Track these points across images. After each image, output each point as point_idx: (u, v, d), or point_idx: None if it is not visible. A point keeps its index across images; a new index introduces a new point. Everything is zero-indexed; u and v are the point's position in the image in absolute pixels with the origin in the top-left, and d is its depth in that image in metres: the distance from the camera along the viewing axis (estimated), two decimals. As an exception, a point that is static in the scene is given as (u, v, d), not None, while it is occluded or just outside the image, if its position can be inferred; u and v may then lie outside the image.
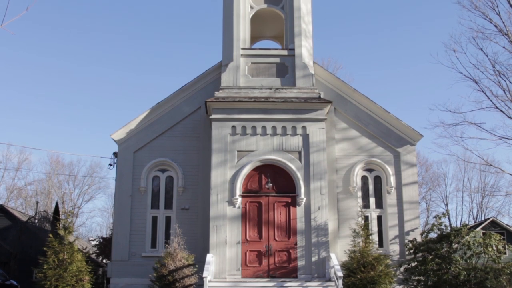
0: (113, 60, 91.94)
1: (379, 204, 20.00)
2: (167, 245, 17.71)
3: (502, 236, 23.21)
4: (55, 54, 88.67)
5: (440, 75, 75.44)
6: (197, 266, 17.01)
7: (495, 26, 24.11)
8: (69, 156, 75.68)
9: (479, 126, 24.55)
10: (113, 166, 20.77)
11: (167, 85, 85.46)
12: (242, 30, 20.02)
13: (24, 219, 37.17)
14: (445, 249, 18.02)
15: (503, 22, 23.94)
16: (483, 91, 24.32)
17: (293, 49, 19.79)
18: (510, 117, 23.73)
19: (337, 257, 17.46)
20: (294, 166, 18.56)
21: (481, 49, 24.39)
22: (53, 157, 60.01)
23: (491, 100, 24.11)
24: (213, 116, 18.85)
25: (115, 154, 20.46)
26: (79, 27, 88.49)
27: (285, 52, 19.97)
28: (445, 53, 25.37)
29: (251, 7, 20.44)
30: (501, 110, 24.02)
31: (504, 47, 23.88)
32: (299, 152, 18.76)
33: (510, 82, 23.77)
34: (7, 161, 56.45)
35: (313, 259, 17.83)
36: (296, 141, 18.80)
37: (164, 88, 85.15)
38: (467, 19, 24.61)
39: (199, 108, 20.24)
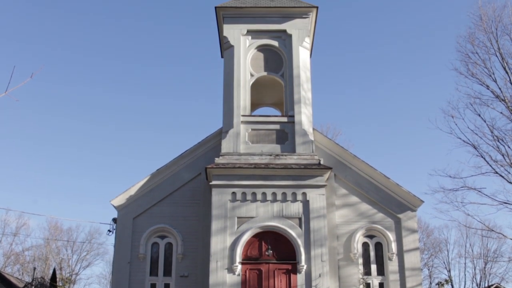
0: (113, 126, 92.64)
1: (381, 271, 19.73)
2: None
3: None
4: (55, 116, 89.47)
5: (439, 140, 75.87)
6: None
7: (492, 92, 24.43)
8: (68, 222, 75.10)
9: (479, 191, 24.46)
10: (112, 232, 20.61)
11: (168, 151, 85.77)
12: (243, 97, 20.30)
13: (21, 285, 36.50)
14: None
15: (500, 89, 24.28)
16: (482, 156, 24.37)
17: (293, 116, 20.00)
18: (510, 182, 23.69)
19: (339, 327, 17.09)
20: (294, 232, 18.43)
21: (479, 115, 24.61)
22: (51, 222, 59.60)
23: (490, 165, 24.12)
24: (213, 182, 18.86)
25: (114, 220, 20.35)
26: (79, 90, 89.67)
27: (285, 119, 20.18)
28: (444, 119, 25.56)
29: (251, 75, 20.79)
30: (500, 175, 24.01)
31: (501, 112, 24.11)
32: (300, 219, 18.66)
33: (509, 147, 23.87)
34: (5, 226, 56.04)
35: (315, 328, 17.46)
36: (296, 208, 18.74)
37: (165, 154, 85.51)
38: (464, 85, 24.81)
39: (199, 175, 20.29)
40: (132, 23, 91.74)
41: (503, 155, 23.83)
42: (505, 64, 24.59)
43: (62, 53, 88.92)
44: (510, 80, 24.25)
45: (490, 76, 24.79)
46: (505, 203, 23.96)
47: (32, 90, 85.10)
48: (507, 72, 24.47)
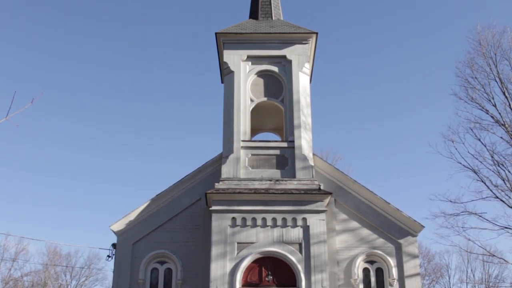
0: (113, 151, 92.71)
1: (382, 297, 19.60)
2: None
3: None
4: (55, 142, 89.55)
5: (440, 165, 76.02)
6: None
7: (492, 117, 24.50)
8: (67, 247, 74.65)
9: (480, 216, 24.40)
10: (112, 258, 20.53)
11: (168, 177, 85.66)
12: (243, 123, 20.35)
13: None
14: None
15: (500, 113, 24.35)
16: (482, 181, 24.35)
17: (293, 141, 20.03)
18: (510, 207, 23.65)
19: None
20: (294, 258, 18.33)
21: (479, 140, 24.65)
22: (51, 247, 59.34)
23: (491, 190, 24.10)
24: (213, 207, 18.82)
25: (114, 245, 20.28)
26: (79, 118, 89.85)
27: (285, 144, 20.20)
28: (444, 144, 25.60)
29: (251, 100, 20.87)
30: (501, 200, 23.97)
31: (501, 137, 24.15)
32: (300, 244, 18.58)
33: (509, 172, 23.86)
34: (4, 251, 55.77)
35: None
36: (296, 233, 18.66)
37: (164, 180, 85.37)
38: (464, 110, 24.92)
39: (199, 200, 20.26)
40: (131, 51, 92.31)
41: (503, 180, 23.82)
42: (505, 89, 24.70)
43: (63, 80, 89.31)
44: (509, 105, 24.34)
45: (490, 101, 24.88)
46: (506, 228, 23.90)
47: (33, 115, 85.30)
48: (506, 97, 24.57)
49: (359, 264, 19.61)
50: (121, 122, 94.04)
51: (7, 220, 75.23)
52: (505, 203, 23.82)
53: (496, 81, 25.08)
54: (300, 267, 18.22)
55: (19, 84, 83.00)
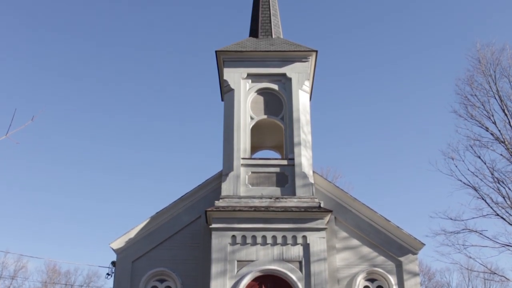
0: (113, 168, 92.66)
1: (383, 315, 19.50)
2: None
3: None
4: (54, 160, 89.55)
5: (440, 182, 75.83)
6: None
7: (492, 134, 24.58)
8: (66, 265, 74.45)
9: (480, 233, 24.40)
10: (111, 276, 20.43)
11: (167, 194, 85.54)
12: (243, 140, 20.37)
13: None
14: None
15: (499, 130, 24.43)
16: (483, 199, 24.37)
17: (293, 159, 20.04)
18: (511, 224, 23.63)
19: None
20: (294, 276, 18.25)
21: (479, 157, 24.70)
22: (50, 265, 59.09)
23: (491, 207, 24.12)
24: (213, 225, 18.78)
25: (113, 263, 20.19)
26: (79, 133, 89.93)
27: (285, 162, 20.20)
28: (444, 161, 25.71)
29: (251, 118, 20.91)
30: (502, 217, 23.97)
31: (501, 154, 24.21)
32: (300, 262, 18.51)
33: (510, 189, 23.88)
34: (3, 269, 55.55)
35: None
36: (296, 251, 18.60)
37: (164, 197, 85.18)
38: (463, 127, 25.02)
39: (199, 218, 20.21)
40: (131, 67, 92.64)
41: (504, 197, 23.84)
42: (504, 106, 24.80)
43: (63, 97, 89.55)
44: (509, 122, 24.42)
45: (490, 118, 24.98)
46: (507, 245, 23.87)
47: (33, 132, 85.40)
48: (506, 115, 24.66)
49: (360, 282, 19.52)
50: (121, 139, 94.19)
51: (6, 237, 75.07)
52: (506, 220, 23.82)
53: (495, 98, 25.20)
54: (301, 285, 18.12)
55: (20, 102, 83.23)
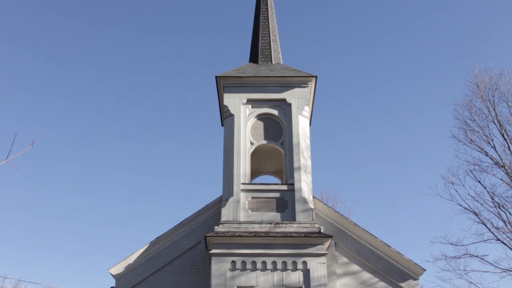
0: (112, 193, 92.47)
1: None
2: None
3: None
4: (54, 185, 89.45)
5: (440, 207, 75.64)
6: None
7: (491, 159, 24.63)
8: (65, 290, 73.89)
9: (482, 258, 24.30)
10: (110, 301, 20.31)
11: (167, 219, 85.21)
12: (243, 166, 20.40)
13: None
14: None
15: (499, 155, 24.48)
16: (483, 223, 24.34)
17: (293, 184, 20.04)
18: (512, 249, 23.55)
19: None
20: (295, 302, 18.14)
21: (479, 182, 24.73)
22: (48, 290, 58.61)
23: (492, 232, 24.07)
24: (213, 251, 18.72)
25: (112, 289, 20.10)
26: (79, 158, 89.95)
27: (284, 187, 20.21)
28: (444, 186, 25.80)
29: (251, 143, 20.96)
30: (503, 242, 23.90)
31: (501, 179, 24.23)
32: (300, 288, 18.44)
33: (510, 214, 23.84)
34: (1, 295, 55.12)
35: None
36: (296, 277, 18.50)
37: (164, 222, 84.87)
38: (463, 152, 25.11)
39: (199, 243, 20.14)
40: (130, 92, 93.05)
41: (504, 222, 23.81)
42: (503, 131, 24.88)
43: (63, 122, 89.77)
44: (509, 147, 24.48)
45: (489, 142, 25.05)
46: (509, 270, 23.75)
47: (33, 157, 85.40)
48: (505, 139, 24.73)
49: (360, 308, 19.39)
50: (121, 163, 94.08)
51: (4, 262, 74.58)
52: (507, 245, 23.74)
53: (494, 123, 25.30)
54: (301, 312, 18.02)
55: (20, 126, 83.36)
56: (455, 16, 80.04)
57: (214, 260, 18.63)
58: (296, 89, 21.65)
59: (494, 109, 25.31)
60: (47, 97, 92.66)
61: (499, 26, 77.50)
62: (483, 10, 77.95)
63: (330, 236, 19.22)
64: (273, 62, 23.46)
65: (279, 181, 23.32)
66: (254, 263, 18.62)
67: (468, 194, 24.65)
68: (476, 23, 78.99)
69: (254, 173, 23.01)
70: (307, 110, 21.61)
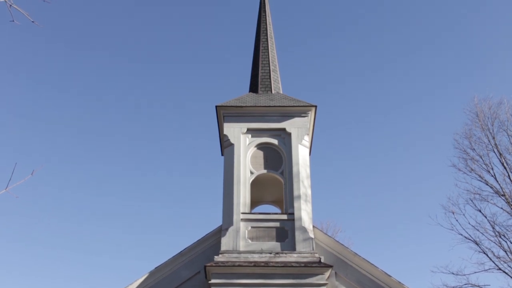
0: (111, 222, 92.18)
1: None
2: None
3: None
4: (54, 214, 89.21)
5: (440, 236, 75.05)
6: None
7: (491, 187, 24.66)
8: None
9: (483, 288, 24.15)
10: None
11: (167, 249, 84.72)
12: (243, 195, 20.40)
13: None
14: None
15: (499, 184, 24.51)
16: (484, 253, 24.26)
17: (293, 213, 20.01)
18: (514, 279, 23.43)
19: None
20: (295, 333, 18.00)
21: (480, 211, 24.73)
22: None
23: (493, 262, 23.99)
24: (213, 281, 18.62)
25: (111, 319, 19.97)
26: (79, 187, 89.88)
27: (284, 217, 20.17)
28: (444, 215, 25.77)
29: (251, 173, 20.98)
30: (504, 272, 23.79)
31: (502, 208, 24.23)
32: (301, 318, 18.29)
33: (511, 243, 23.77)
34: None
35: None
36: (297, 307, 18.39)
37: (163, 252, 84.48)
38: (463, 181, 25.16)
39: (198, 273, 20.00)
40: (130, 122, 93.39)
41: (505, 251, 23.74)
42: (503, 159, 24.95)
43: (64, 151, 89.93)
44: (509, 175, 24.53)
45: (489, 171, 25.10)
46: (510, 300, 23.58)
47: (33, 186, 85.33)
48: (505, 168, 24.79)
49: None
50: (120, 192, 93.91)
51: (4, 291, 74.04)
52: (508, 274, 23.64)
53: (494, 152, 25.38)
54: None
55: (20, 156, 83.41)
56: (453, 45, 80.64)
57: (214, 290, 18.54)
58: (296, 119, 21.75)
59: (494, 138, 25.41)
60: (47, 127, 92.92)
61: (499, 56, 78.06)
62: (482, 39, 78.58)
63: (331, 266, 19.14)
64: (273, 92, 23.60)
65: (279, 211, 23.28)
66: (254, 293, 18.52)
67: (469, 223, 24.65)
68: (475, 52, 79.55)
69: (254, 203, 23.00)
70: (307, 140, 21.68)
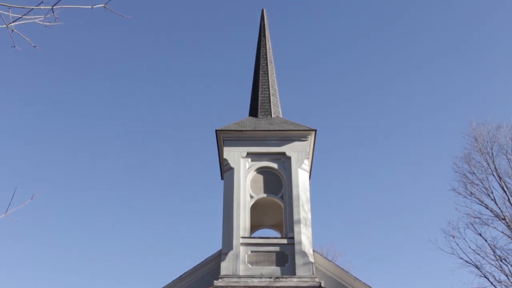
0: (110, 246, 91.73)
1: None
2: None
3: None
4: (54, 238, 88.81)
5: (441, 261, 74.71)
6: None
7: (491, 211, 24.63)
8: None
9: (484, 313, 24.00)
10: None
11: (166, 273, 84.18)
12: (242, 219, 20.35)
13: None
14: None
15: (499, 208, 24.51)
16: (485, 277, 24.17)
17: (293, 238, 19.95)
18: (516, 303, 23.28)
19: None
20: None
21: (480, 234, 24.68)
22: None
23: (494, 286, 23.88)
24: (212, 305, 18.53)
25: None
26: (79, 213, 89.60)
27: (284, 241, 20.11)
28: (445, 239, 25.75)
29: (251, 197, 20.96)
30: (506, 296, 23.63)
31: (502, 231, 24.17)
32: None
33: (512, 267, 23.67)
34: None
35: None
36: (297, 332, 18.25)
37: (163, 277, 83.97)
38: (463, 205, 25.15)
39: (198, 298, 19.95)
40: (129, 145, 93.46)
41: (506, 275, 23.63)
42: (503, 183, 24.95)
43: (63, 176, 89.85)
44: (509, 199, 24.51)
45: (489, 195, 25.10)
46: (512, 325, 23.42)
47: (33, 210, 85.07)
48: (505, 191, 24.79)
49: None
50: (120, 216, 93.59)
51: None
52: (510, 299, 23.48)
53: (494, 175, 25.40)
54: None
55: (20, 181, 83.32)
56: (453, 67, 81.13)
57: (213, 315, 18.42)
58: (296, 143, 21.78)
59: (493, 161, 25.46)
60: (47, 151, 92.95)
61: (496, 81, 78.44)
62: (480, 62, 79.05)
63: (331, 291, 19.04)
64: (272, 116, 23.66)
65: (279, 235, 23.21)
66: (253, 319, 18.40)
67: (469, 247, 24.58)
68: (473, 74, 80.00)
69: (254, 227, 22.93)
70: (306, 164, 21.70)
